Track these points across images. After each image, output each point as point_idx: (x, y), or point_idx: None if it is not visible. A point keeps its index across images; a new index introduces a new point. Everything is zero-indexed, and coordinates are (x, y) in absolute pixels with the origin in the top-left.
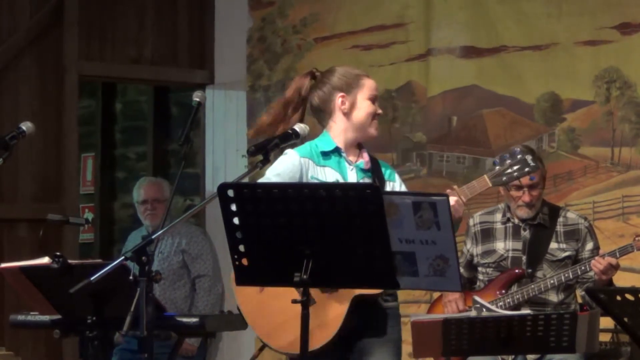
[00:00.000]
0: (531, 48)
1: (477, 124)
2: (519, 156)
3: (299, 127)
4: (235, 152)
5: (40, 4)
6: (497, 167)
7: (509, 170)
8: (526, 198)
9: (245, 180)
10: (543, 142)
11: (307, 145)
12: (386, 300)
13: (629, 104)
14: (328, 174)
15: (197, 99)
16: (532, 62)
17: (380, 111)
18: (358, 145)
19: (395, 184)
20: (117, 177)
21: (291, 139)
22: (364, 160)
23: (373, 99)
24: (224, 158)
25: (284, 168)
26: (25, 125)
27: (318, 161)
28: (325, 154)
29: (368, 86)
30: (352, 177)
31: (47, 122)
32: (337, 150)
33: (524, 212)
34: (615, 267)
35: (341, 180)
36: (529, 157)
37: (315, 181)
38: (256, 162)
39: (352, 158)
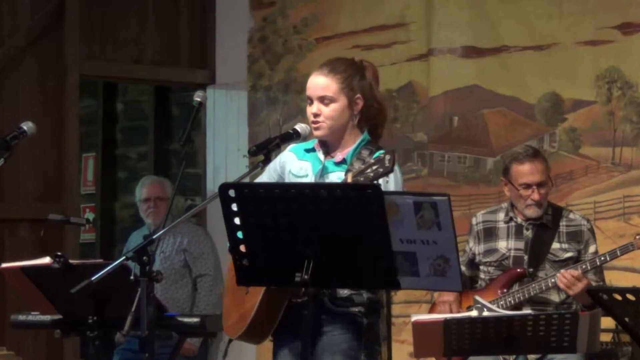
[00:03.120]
0: (532, 48)
1: (478, 124)
2: (380, 155)
3: (299, 127)
4: (236, 152)
5: (41, 4)
6: (362, 166)
7: (368, 170)
8: (535, 196)
9: (246, 180)
10: (544, 142)
11: (303, 143)
12: (338, 305)
13: (630, 104)
14: (303, 168)
15: (198, 99)
16: (533, 62)
17: (312, 110)
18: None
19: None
20: (118, 177)
21: (292, 139)
22: (340, 155)
23: (309, 101)
24: (224, 158)
25: (275, 161)
26: (26, 125)
27: (301, 156)
28: (307, 151)
29: (307, 88)
30: (317, 172)
31: (48, 122)
32: (314, 148)
33: (533, 211)
34: (579, 279)
35: (309, 174)
36: (387, 157)
37: (293, 176)
38: (257, 162)
39: (332, 154)
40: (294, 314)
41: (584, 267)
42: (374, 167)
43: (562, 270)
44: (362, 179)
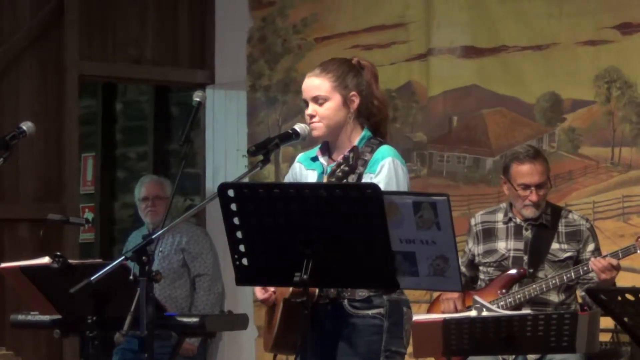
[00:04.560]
0: (532, 48)
1: (477, 124)
2: (346, 153)
3: (299, 127)
4: (236, 151)
5: (41, 3)
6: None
7: (337, 170)
8: (533, 197)
9: (246, 180)
10: (543, 142)
11: (310, 150)
12: (356, 308)
13: (630, 104)
14: (309, 177)
15: (198, 99)
16: (532, 62)
17: (307, 112)
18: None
19: (371, 175)
20: (118, 177)
21: (291, 139)
22: (339, 159)
23: (305, 102)
24: (224, 158)
25: (289, 173)
26: (26, 125)
27: (308, 165)
28: (313, 159)
29: (302, 91)
30: (322, 180)
31: (48, 122)
32: (316, 157)
33: (530, 212)
34: (616, 268)
35: None
36: (351, 155)
37: None
38: (256, 162)
39: (335, 158)
40: (316, 316)
41: (585, 268)
42: (342, 166)
43: (597, 257)
44: (333, 179)
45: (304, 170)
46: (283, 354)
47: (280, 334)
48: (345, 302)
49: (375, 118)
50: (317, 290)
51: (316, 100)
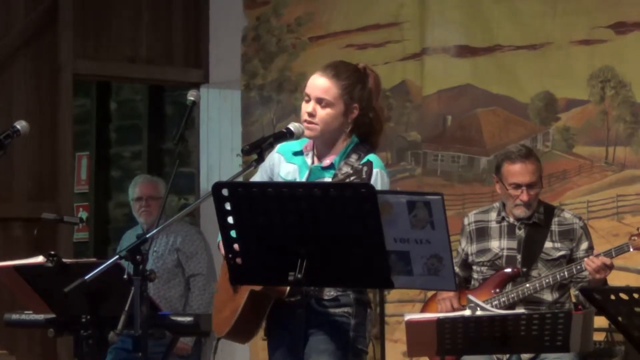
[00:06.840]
0: (526, 47)
1: (471, 123)
2: (359, 166)
3: (293, 126)
4: (230, 151)
5: (35, 3)
6: (349, 171)
7: (346, 181)
8: (524, 197)
9: (240, 179)
10: (538, 141)
11: (291, 142)
12: (324, 306)
13: (624, 103)
14: (290, 171)
15: (192, 98)
16: (527, 61)
17: (307, 109)
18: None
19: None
20: (112, 176)
21: (285, 138)
22: (328, 160)
23: (306, 98)
24: (218, 157)
25: (265, 162)
26: (20, 124)
27: (289, 158)
28: (295, 153)
29: (307, 85)
30: (304, 177)
31: (42, 121)
32: (301, 152)
33: (521, 212)
34: (609, 267)
35: (297, 179)
36: (365, 169)
37: (282, 179)
38: (251, 161)
39: (321, 159)
40: (286, 312)
41: (578, 267)
42: (352, 178)
43: (591, 257)
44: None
45: (284, 162)
46: (235, 342)
47: (240, 323)
48: (313, 300)
49: (367, 128)
50: (287, 289)
51: (320, 101)
